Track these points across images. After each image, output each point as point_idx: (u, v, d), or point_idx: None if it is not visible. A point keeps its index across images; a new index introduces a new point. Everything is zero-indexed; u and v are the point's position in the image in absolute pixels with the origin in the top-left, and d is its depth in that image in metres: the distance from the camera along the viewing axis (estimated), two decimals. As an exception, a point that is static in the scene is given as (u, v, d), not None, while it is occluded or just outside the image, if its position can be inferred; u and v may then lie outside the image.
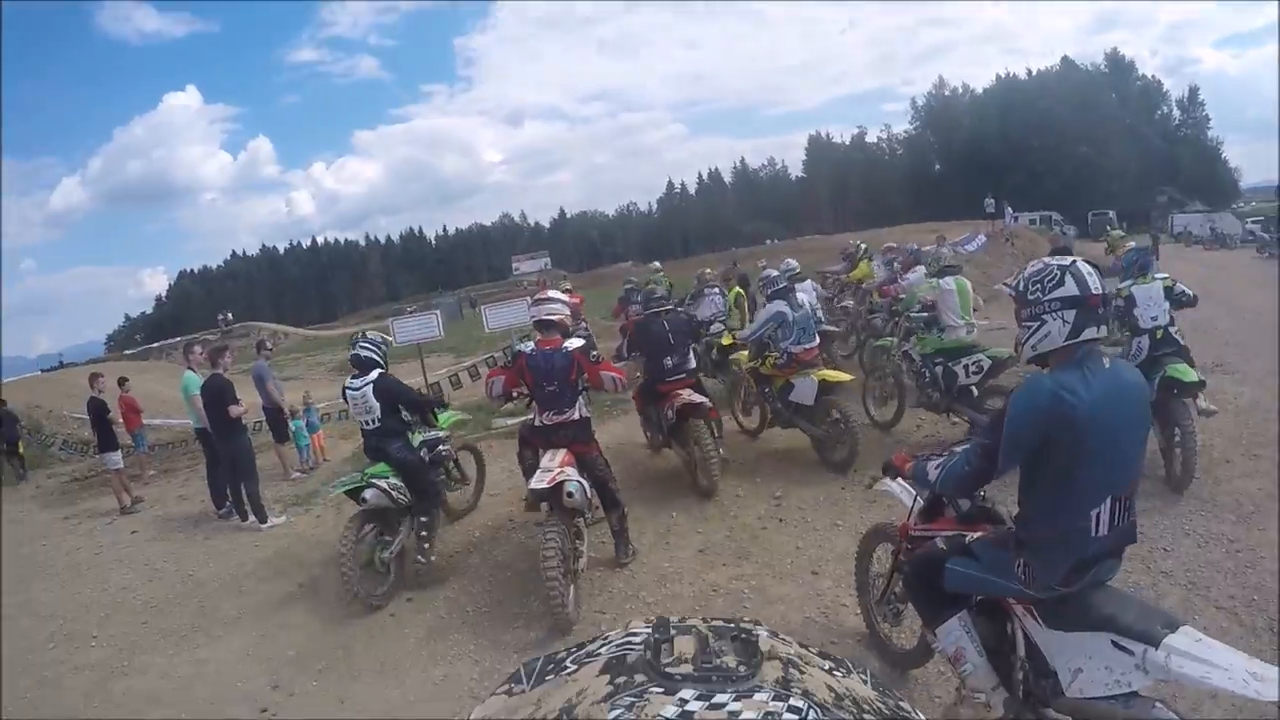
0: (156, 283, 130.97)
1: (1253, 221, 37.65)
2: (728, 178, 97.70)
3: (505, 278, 63.72)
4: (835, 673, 0.97)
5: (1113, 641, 2.48)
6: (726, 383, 9.00)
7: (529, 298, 12.59)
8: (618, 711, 0.83)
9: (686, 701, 0.82)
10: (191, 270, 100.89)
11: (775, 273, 8.23)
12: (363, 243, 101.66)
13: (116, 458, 10.19)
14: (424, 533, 6.04)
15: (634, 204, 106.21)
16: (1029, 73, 79.20)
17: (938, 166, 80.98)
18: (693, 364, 7.45)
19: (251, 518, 8.32)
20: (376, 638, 5.47)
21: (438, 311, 14.06)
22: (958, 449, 3.03)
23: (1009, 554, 2.76)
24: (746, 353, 8.00)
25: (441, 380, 14.71)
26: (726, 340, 9.05)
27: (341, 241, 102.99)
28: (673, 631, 0.92)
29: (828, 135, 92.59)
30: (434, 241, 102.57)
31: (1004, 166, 65.65)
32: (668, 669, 0.87)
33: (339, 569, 5.72)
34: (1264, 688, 2.21)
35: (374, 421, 6.11)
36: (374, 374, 6.12)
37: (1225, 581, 4.67)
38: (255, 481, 8.39)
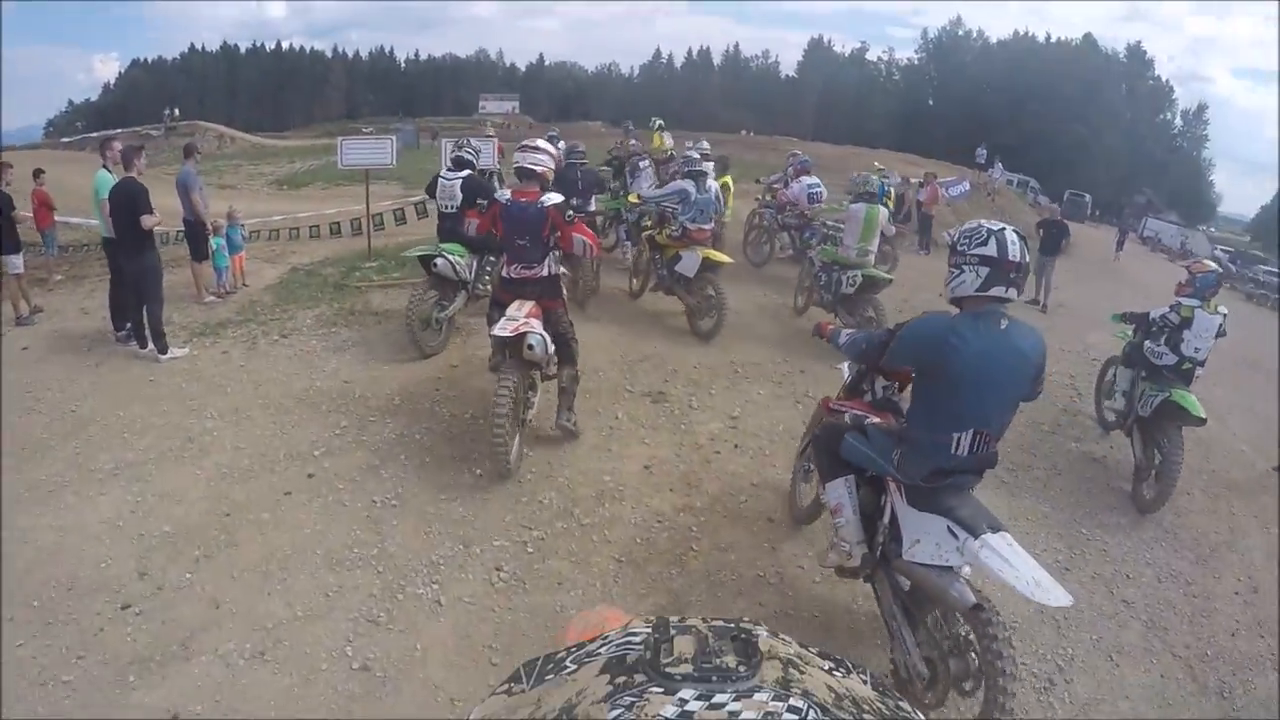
0: (108, 69, 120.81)
1: (1222, 250, 38.45)
2: (717, 60, 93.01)
3: (470, 115, 61.23)
4: (835, 673, 0.96)
5: (948, 526, 3.11)
6: (634, 251, 10.01)
7: (493, 139, 12.09)
8: (618, 711, 0.81)
9: (686, 701, 0.81)
10: (145, 59, 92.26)
11: (696, 154, 9.85)
12: (329, 54, 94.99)
13: (18, 261, 8.86)
14: (488, 269, 7.73)
15: (616, 64, 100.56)
16: (1048, 38, 76.17)
17: (931, 103, 78.22)
18: (593, 207, 9.82)
19: (150, 346, 7.43)
20: (267, 523, 4.80)
21: (393, 138, 12.83)
22: (874, 333, 3.67)
23: (892, 442, 3.37)
24: (650, 221, 9.06)
25: (385, 213, 13.78)
26: (633, 198, 10.19)
27: (308, 50, 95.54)
28: (672, 631, 0.91)
29: (829, 42, 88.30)
30: (403, 65, 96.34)
31: (997, 121, 62.97)
32: (667, 669, 0.85)
33: (405, 322, 7.12)
34: (1041, 593, 2.81)
35: (453, 207, 7.61)
36: (465, 172, 7.73)
37: (1182, 626, 4.68)
38: (159, 304, 7.41)
